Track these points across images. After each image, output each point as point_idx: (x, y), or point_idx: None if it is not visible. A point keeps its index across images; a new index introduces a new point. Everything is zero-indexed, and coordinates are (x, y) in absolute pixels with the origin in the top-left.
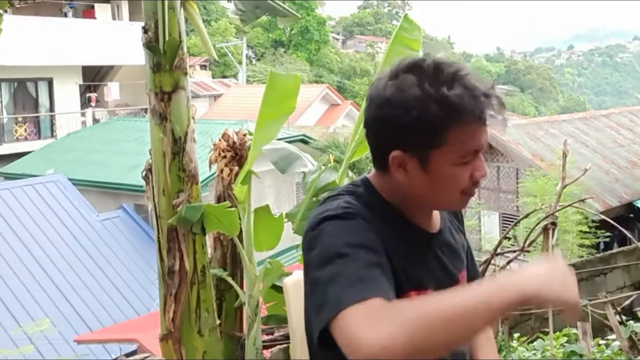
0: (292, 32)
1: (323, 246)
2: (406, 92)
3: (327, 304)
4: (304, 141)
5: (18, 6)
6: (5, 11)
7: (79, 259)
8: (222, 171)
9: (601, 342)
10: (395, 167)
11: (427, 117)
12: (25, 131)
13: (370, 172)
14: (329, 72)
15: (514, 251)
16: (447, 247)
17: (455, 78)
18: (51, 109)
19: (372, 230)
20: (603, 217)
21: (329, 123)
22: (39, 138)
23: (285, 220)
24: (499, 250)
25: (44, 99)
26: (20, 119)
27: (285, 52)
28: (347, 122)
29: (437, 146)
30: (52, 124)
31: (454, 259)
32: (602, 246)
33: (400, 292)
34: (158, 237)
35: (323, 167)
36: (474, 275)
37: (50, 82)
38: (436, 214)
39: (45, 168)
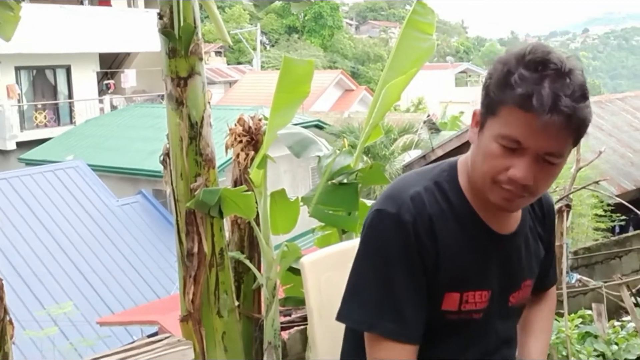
0: (306, 18)
1: (367, 245)
2: (504, 57)
3: (363, 317)
4: (319, 126)
5: None
6: None
7: (99, 243)
8: (238, 156)
9: (616, 323)
10: (473, 123)
11: (493, 84)
12: (45, 118)
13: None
14: (342, 57)
15: None
16: (516, 251)
17: (540, 63)
18: (69, 95)
19: (419, 240)
20: (619, 200)
21: (343, 108)
22: (58, 125)
23: (301, 204)
24: None
25: (62, 86)
26: (39, 106)
27: (299, 38)
28: (361, 108)
29: (491, 114)
30: (71, 111)
31: (521, 266)
32: (617, 229)
33: (457, 290)
34: (177, 221)
35: (338, 152)
36: (550, 283)
37: (68, 70)
38: (516, 215)
39: (65, 154)
